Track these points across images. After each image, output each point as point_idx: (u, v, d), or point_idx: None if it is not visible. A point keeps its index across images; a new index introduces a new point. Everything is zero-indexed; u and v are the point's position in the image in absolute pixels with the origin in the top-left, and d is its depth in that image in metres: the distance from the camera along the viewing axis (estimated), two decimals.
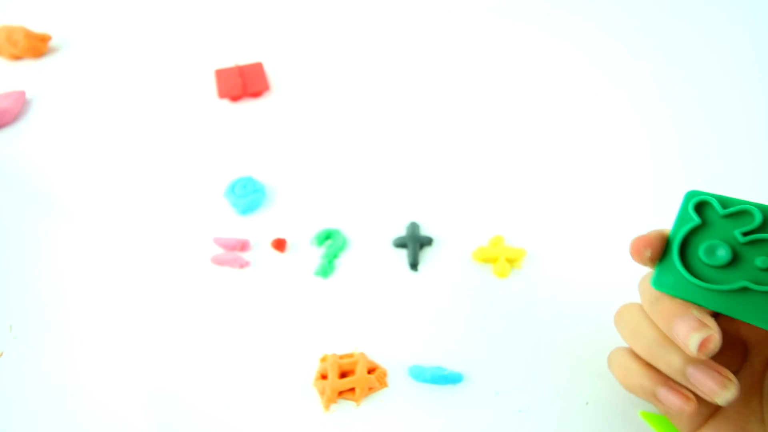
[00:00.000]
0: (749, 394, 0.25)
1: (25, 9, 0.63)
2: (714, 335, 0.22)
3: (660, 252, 0.24)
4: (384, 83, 0.52)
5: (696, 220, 0.24)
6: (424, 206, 0.41)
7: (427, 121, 0.49)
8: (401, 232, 0.40)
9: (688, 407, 0.24)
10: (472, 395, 0.32)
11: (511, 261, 0.38)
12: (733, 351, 0.26)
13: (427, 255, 0.39)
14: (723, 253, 0.23)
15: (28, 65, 0.55)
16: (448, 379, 0.32)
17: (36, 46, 0.55)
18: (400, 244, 0.39)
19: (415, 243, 0.38)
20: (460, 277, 0.37)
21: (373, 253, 0.39)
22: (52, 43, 0.57)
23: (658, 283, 0.24)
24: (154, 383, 0.32)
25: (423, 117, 0.49)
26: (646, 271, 0.27)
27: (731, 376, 0.23)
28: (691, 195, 0.24)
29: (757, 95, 0.51)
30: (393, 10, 0.61)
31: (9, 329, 0.35)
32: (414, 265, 0.38)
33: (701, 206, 0.24)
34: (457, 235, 0.40)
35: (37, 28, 0.57)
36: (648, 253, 0.24)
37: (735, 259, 0.23)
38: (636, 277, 0.37)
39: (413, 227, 0.39)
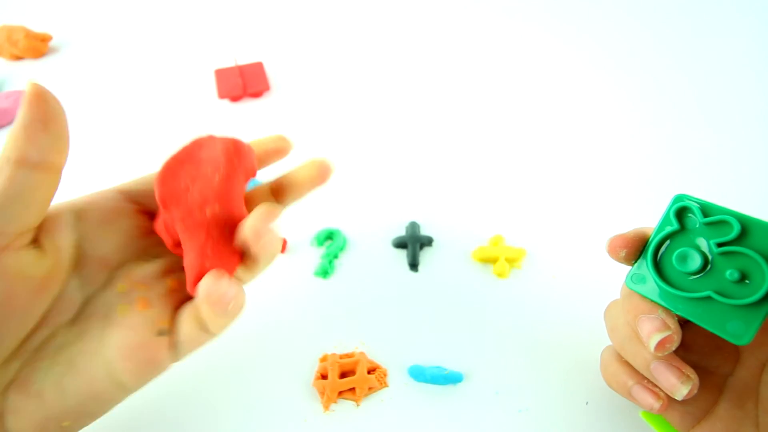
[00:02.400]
0: (744, 397, 0.25)
1: (25, 9, 0.63)
2: (673, 336, 0.23)
3: (636, 252, 0.25)
4: (384, 83, 0.52)
5: (674, 225, 0.24)
6: (424, 206, 0.41)
7: (427, 121, 0.49)
8: (401, 232, 0.40)
9: (657, 405, 0.25)
10: (472, 395, 0.32)
11: (511, 261, 0.38)
12: (724, 353, 0.26)
13: (427, 255, 0.39)
14: (693, 262, 0.23)
15: (28, 65, 0.55)
16: (448, 379, 0.32)
17: (36, 46, 0.55)
18: (400, 244, 0.39)
19: (415, 243, 0.38)
20: (460, 277, 0.37)
21: (373, 253, 0.39)
22: (52, 43, 0.57)
23: (631, 281, 0.25)
24: (154, 383, 0.32)
25: (423, 117, 0.49)
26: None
27: (691, 373, 0.24)
28: (677, 199, 0.24)
29: (758, 99, 0.51)
30: (393, 11, 0.61)
31: None
32: (414, 265, 0.38)
33: (683, 212, 0.24)
34: (457, 235, 0.40)
35: (37, 28, 0.57)
36: (623, 253, 0.25)
37: (707, 268, 0.23)
38: None
39: (413, 227, 0.39)
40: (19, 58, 0.56)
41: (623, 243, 0.25)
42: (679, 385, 0.24)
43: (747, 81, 0.52)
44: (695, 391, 0.24)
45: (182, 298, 0.26)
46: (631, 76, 0.53)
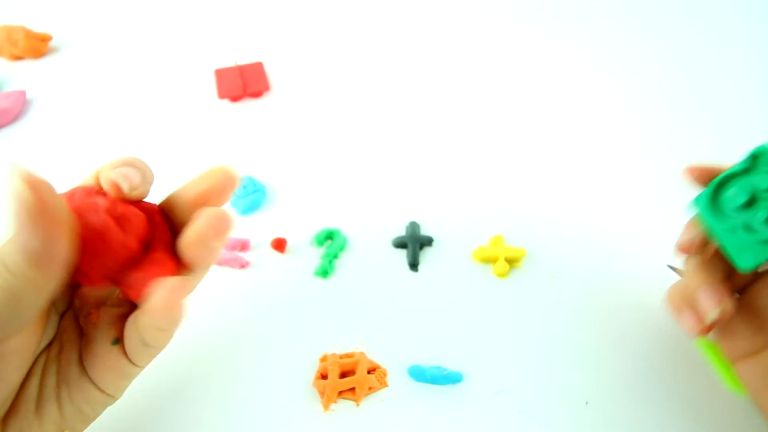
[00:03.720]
0: None
1: (25, 9, 0.63)
2: (727, 308, 0.26)
3: (706, 179, 0.28)
4: (384, 83, 0.52)
5: (743, 165, 0.27)
6: (424, 206, 0.41)
7: (427, 121, 0.49)
8: (401, 232, 0.40)
9: (695, 330, 0.27)
10: (472, 395, 0.32)
11: (511, 261, 0.38)
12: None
13: (427, 255, 0.39)
14: (740, 198, 0.26)
15: (28, 65, 0.55)
16: (448, 379, 0.32)
17: (36, 46, 0.55)
18: (400, 244, 0.39)
19: (415, 243, 0.38)
20: (460, 277, 0.37)
21: (373, 253, 0.39)
22: (52, 43, 0.57)
23: (695, 202, 0.28)
24: (154, 382, 0.32)
25: (423, 117, 0.49)
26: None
27: (727, 302, 0.26)
28: (761, 148, 0.27)
29: (758, 99, 0.51)
30: (393, 11, 0.61)
31: None
32: (414, 265, 0.38)
33: (759, 157, 0.27)
34: (457, 235, 0.40)
35: (37, 28, 0.57)
36: (695, 174, 0.29)
37: (750, 205, 0.26)
38: (635, 277, 0.37)
39: (413, 227, 0.39)
40: (19, 58, 0.56)
41: (699, 172, 0.29)
42: (712, 310, 0.26)
43: (747, 80, 0.52)
44: (726, 318, 0.26)
45: (130, 306, 0.26)
46: (632, 75, 0.53)
